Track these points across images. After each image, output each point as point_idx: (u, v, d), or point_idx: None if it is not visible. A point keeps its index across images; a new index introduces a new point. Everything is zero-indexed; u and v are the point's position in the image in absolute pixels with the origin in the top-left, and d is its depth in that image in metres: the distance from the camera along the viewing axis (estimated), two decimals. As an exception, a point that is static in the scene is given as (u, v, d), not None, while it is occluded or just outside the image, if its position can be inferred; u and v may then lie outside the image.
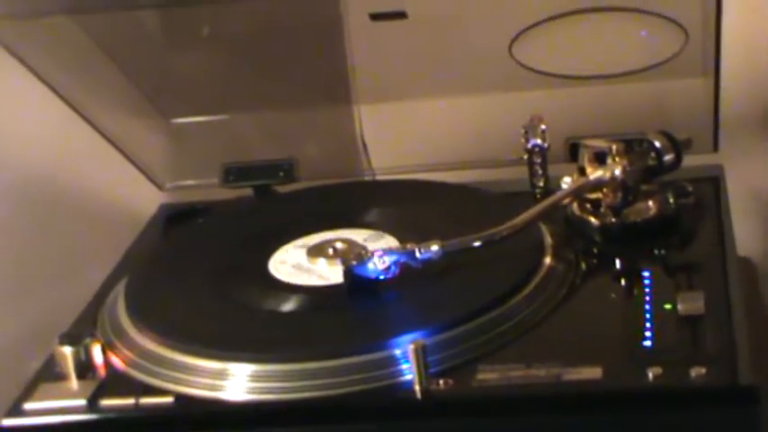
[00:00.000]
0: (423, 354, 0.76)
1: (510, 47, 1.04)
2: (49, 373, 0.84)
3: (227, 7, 1.05)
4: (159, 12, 1.06)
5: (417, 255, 0.87)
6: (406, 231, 0.95)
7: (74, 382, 0.82)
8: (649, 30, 1.02)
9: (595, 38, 1.03)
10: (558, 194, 0.94)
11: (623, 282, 0.88)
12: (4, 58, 1.04)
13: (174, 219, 1.10)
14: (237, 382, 0.80)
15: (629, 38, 1.03)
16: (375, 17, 1.02)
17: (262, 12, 1.06)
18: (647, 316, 0.81)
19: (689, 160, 0.98)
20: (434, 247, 0.87)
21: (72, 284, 1.09)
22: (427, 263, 0.87)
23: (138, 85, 1.09)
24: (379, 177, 1.12)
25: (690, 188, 0.97)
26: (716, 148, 1.03)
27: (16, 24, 0.94)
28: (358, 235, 0.97)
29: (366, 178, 1.13)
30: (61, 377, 0.82)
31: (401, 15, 1.01)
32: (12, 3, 0.94)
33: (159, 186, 1.14)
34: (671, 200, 0.95)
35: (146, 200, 1.14)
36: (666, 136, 0.97)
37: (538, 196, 1.03)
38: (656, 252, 0.91)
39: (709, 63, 0.99)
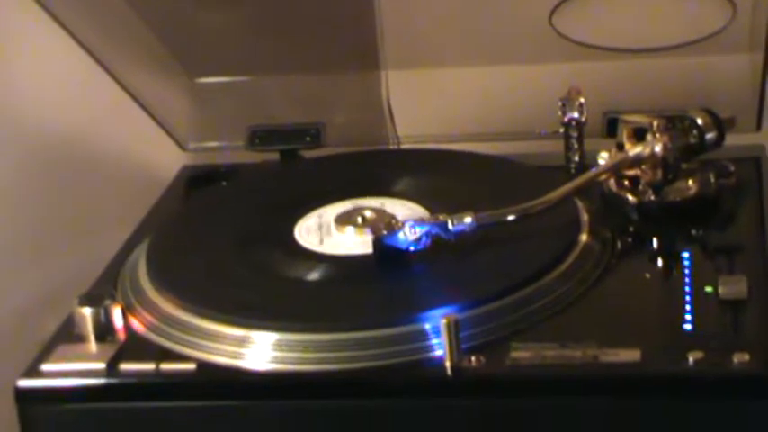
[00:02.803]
0: (455, 329, 0.74)
1: (550, 16, 1.01)
2: (68, 335, 0.81)
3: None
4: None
5: (450, 226, 0.84)
6: (436, 202, 0.92)
7: (92, 345, 0.80)
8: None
9: (639, 10, 1.00)
10: (596, 170, 0.91)
11: (661, 262, 0.85)
12: (26, 19, 1.03)
13: (197, 181, 1.07)
14: (260, 350, 0.77)
15: (674, 10, 0.99)
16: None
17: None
18: (687, 298, 0.79)
19: (729, 139, 0.95)
20: (468, 219, 0.84)
21: (91, 245, 1.07)
22: (459, 235, 0.84)
23: (164, 41, 1.06)
24: (405, 146, 1.09)
25: (731, 168, 0.93)
26: (759, 127, 1.00)
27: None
28: (386, 204, 0.94)
29: (392, 147, 1.10)
30: (79, 339, 0.80)
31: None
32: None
33: (182, 147, 1.11)
34: (712, 180, 0.92)
35: (167, 161, 1.12)
36: (709, 113, 0.94)
37: (573, 171, 1.00)
38: (694, 233, 0.88)
39: (758, 39, 0.96)
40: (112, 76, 1.03)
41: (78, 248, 1.08)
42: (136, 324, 0.82)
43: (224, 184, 1.06)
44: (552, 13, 1.00)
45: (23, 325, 1.04)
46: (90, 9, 0.99)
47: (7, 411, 0.79)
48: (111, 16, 1.01)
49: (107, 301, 0.81)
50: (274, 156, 1.10)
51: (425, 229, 0.84)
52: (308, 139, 1.09)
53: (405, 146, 1.09)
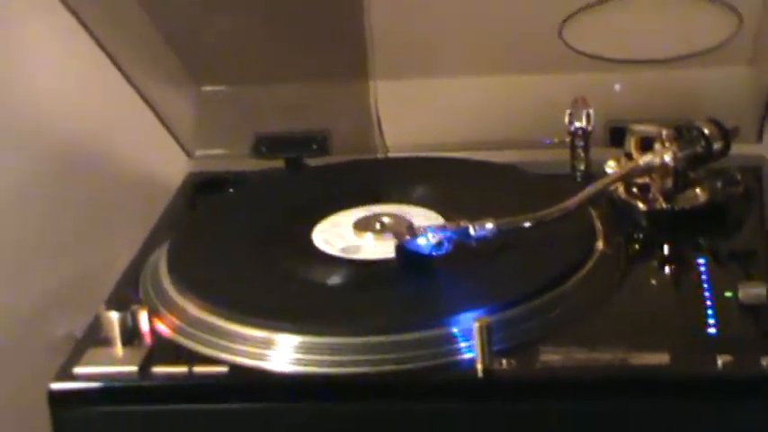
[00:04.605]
0: (488, 332, 0.75)
1: (560, 28, 1.02)
2: (94, 338, 0.81)
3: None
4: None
5: (471, 232, 0.85)
6: (449, 209, 0.93)
7: (120, 348, 0.80)
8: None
9: (643, 21, 1.02)
10: (608, 178, 0.93)
11: (677, 268, 0.87)
12: (38, 24, 1.03)
13: (205, 187, 1.08)
14: (286, 353, 0.78)
15: (678, 22, 1.02)
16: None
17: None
18: (708, 303, 0.81)
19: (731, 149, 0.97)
20: (489, 225, 0.85)
21: (98, 250, 1.07)
22: (480, 241, 0.85)
23: (172, 49, 1.07)
24: (419, 154, 1.10)
25: (738, 176, 0.96)
26: (760, 138, 1.03)
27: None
28: (401, 210, 0.95)
29: (381, 156, 1.11)
30: (106, 342, 0.80)
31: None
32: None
33: (188, 154, 1.11)
34: (719, 188, 0.95)
35: (172, 169, 1.12)
36: (715, 124, 0.96)
37: (578, 180, 1.02)
38: (705, 239, 0.91)
39: (759, 51, 0.99)
40: (127, 79, 1.03)
41: (85, 253, 1.08)
42: (161, 327, 0.82)
43: (231, 190, 1.06)
44: (562, 25, 1.02)
45: (30, 328, 1.03)
46: (104, 11, 1.00)
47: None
48: (126, 21, 1.02)
49: (134, 306, 0.82)
50: (278, 163, 1.11)
51: (447, 234, 0.85)
52: (314, 146, 1.10)
53: (410, 154, 1.10)
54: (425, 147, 1.10)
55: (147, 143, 1.12)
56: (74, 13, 0.96)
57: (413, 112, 1.12)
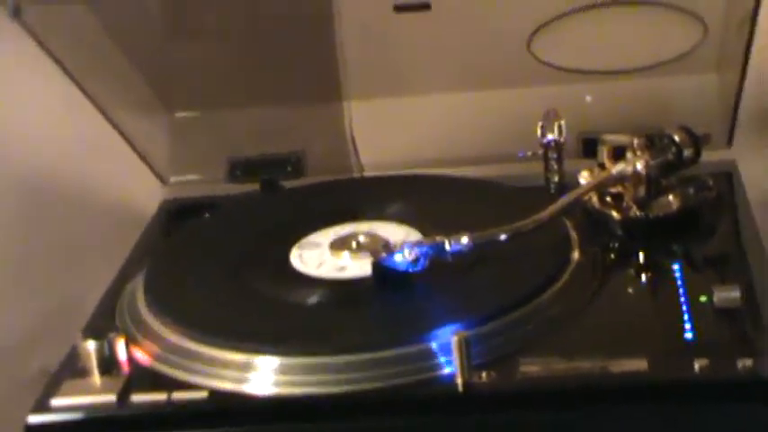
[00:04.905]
0: (466, 346, 0.75)
1: (528, 41, 1.03)
2: (71, 369, 0.81)
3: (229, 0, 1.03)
4: (165, 3, 1.04)
5: (447, 247, 0.85)
6: (425, 225, 0.94)
7: (98, 378, 0.79)
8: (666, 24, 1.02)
9: (613, 32, 1.03)
10: (581, 188, 0.94)
11: (652, 275, 0.87)
12: (6, 52, 1.02)
13: (180, 214, 1.08)
14: (266, 375, 0.78)
15: (644, 31, 1.03)
16: (399, 8, 1.00)
17: (261, 5, 1.04)
18: (684, 308, 0.81)
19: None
20: (464, 239, 0.85)
21: (72, 279, 1.07)
22: (456, 256, 0.86)
23: (144, 76, 1.07)
24: (389, 172, 1.10)
25: (710, 182, 0.96)
26: (731, 142, 1.03)
27: (41, 9, 0.93)
28: (377, 228, 0.95)
29: (356, 176, 1.12)
30: (84, 372, 0.80)
31: (426, 7, 0.99)
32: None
33: (163, 181, 1.11)
34: (692, 194, 0.95)
35: (145, 196, 1.12)
36: (686, 131, 0.96)
37: (553, 191, 1.02)
38: (679, 245, 0.91)
39: (727, 58, 0.99)
40: (99, 109, 1.03)
41: (60, 284, 1.08)
42: (139, 355, 0.82)
43: (206, 216, 1.06)
44: (530, 38, 1.03)
45: (5, 363, 1.03)
46: (76, 43, 1.00)
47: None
48: (95, 50, 1.02)
49: (111, 334, 0.81)
50: (254, 187, 1.11)
51: (423, 250, 0.86)
52: (288, 168, 1.10)
53: (386, 172, 1.10)
54: (400, 165, 1.10)
55: (120, 170, 1.12)
56: (40, 43, 0.96)
57: (386, 131, 1.12)
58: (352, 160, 1.12)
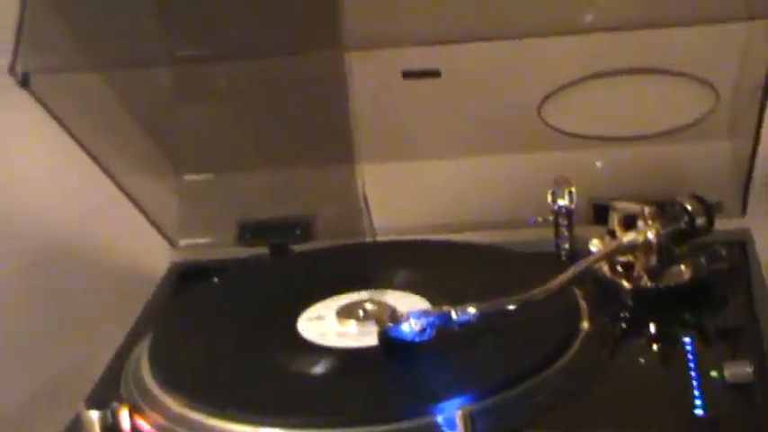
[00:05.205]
0: (471, 420, 0.74)
1: (539, 107, 1.03)
2: (74, 439, 0.80)
3: (237, 64, 1.03)
4: (174, 68, 1.04)
5: (453, 317, 0.85)
6: (433, 293, 0.93)
7: (101, 449, 0.79)
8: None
9: (624, 99, 1.02)
10: (591, 257, 0.93)
11: (663, 347, 0.86)
12: (15, 118, 1.03)
13: (189, 277, 1.07)
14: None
15: (656, 99, 1.02)
16: (407, 75, 1.00)
17: (271, 69, 1.04)
18: (695, 383, 0.80)
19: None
20: (471, 310, 0.84)
21: (80, 344, 1.06)
22: (463, 326, 0.85)
23: (153, 140, 1.07)
24: (399, 237, 1.10)
25: (723, 252, 0.95)
26: (744, 211, 1.03)
27: (49, 78, 0.93)
28: (385, 296, 0.94)
29: (369, 239, 1.11)
30: (86, 442, 0.79)
31: (435, 74, 1.00)
32: (46, 58, 0.93)
33: (172, 244, 1.11)
34: (704, 264, 0.94)
35: (155, 258, 1.12)
36: (698, 199, 0.95)
37: (563, 258, 1.02)
38: (691, 317, 0.90)
39: (739, 125, 0.99)
40: (108, 175, 1.03)
41: (66, 348, 1.07)
42: (143, 425, 0.81)
43: (215, 279, 1.06)
44: (541, 104, 1.03)
45: (14, 427, 1.02)
46: (85, 109, 1.00)
47: None
48: (105, 116, 1.02)
49: (114, 403, 0.81)
50: (263, 250, 1.10)
51: (430, 320, 0.85)
52: (297, 232, 1.09)
53: (396, 237, 1.10)
54: (411, 229, 1.09)
55: (128, 233, 1.12)
56: (48, 110, 0.96)
57: (397, 195, 1.12)
58: (365, 224, 1.12)
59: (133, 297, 1.04)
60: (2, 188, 1.07)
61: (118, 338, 0.96)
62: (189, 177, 1.12)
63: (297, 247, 1.10)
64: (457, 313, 0.84)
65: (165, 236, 1.10)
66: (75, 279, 1.11)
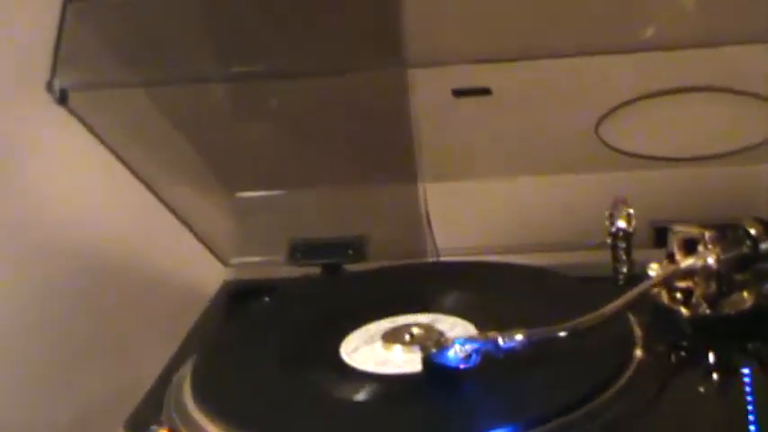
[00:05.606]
0: (513, 453, 0.72)
1: (597, 127, 1.00)
2: (112, 461, 0.80)
3: (293, 82, 1.02)
4: (227, 85, 1.04)
5: (500, 343, 0.82)
6: (482, 317, 0.90)
7: (137, 471, 0.78)
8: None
9: (684, 118, 0.99)
10: (647, 283, 0.89)
11: (720, 379, 0.83)
12: (64, 135, 1.03)
13: (239, 297, 1.07)
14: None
15: (719, 119, 0.99)
16: (458, 93, 0.98)
17: (328, 87, 1.03)
18: (751, 418, 0.76)
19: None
20: (519, 337, 0.82)
21: (131, 364, 1.06)
22: (509, 353, 0.82)
23: (204, 157, 1.06)
24: (449, 258, 1.08)
25: (787, 279, 0.92)
26: (810, 237, 0.98)
27: (88, 95, 0.93)
28: (433, 320, 0.92)
29: (431, 259, 1.09)
30: (124, 464, 0.79)
31: (486, 92, 0.97)
32: (85, 75, 0.93)
33: (224, 262, 1.10)
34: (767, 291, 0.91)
35: (208, 277, 1.11)
36: (761, 223, 0.92)
37: (621, 283, 0.98)
38: (751, 347, 0.86)
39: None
40: (154, 192, 1.03)
41: (118, 367, 1.07)
42: (182, 449, 0.80)
43: (266, 299, 1.05)
44: (598, 123, 1.00)
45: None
46: (132, 127, 1.00)
47: None
48: (153, 134, 1.02)
49: (153, 427, 0.80)
50: (316, 269, 1.09)
51: (476, 346, 0.82)
52: (350, 252, 1.08)
53: (448, 258, 1.08)
54: (469, 250, 1.08)
55: (181, 251, 1.12)
56: (89, 128, 0.95)
57: (456, 215, 1.10)
58: (428, 244, 1.10)
59: (186, 316, 1.04)
60: (55, 206, 1.07)
61: (166, 359, 0.95)
62: (241, 195, 1.11)
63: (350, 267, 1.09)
64: (504, 340, 0.82)
65: (215, 254, 1.09)
66: (127, 298, 1.11)
